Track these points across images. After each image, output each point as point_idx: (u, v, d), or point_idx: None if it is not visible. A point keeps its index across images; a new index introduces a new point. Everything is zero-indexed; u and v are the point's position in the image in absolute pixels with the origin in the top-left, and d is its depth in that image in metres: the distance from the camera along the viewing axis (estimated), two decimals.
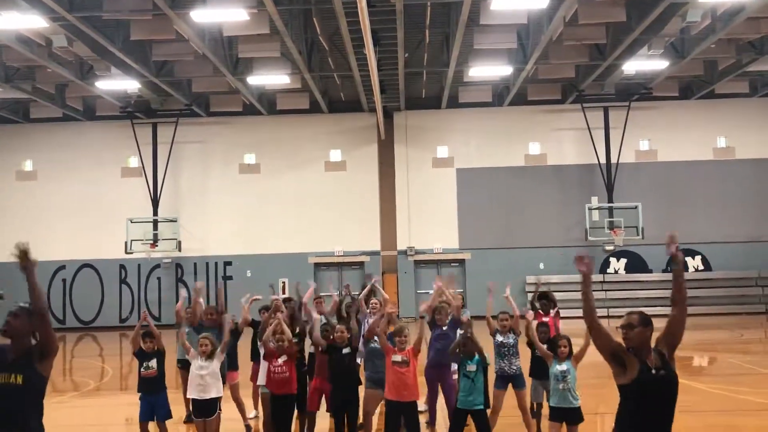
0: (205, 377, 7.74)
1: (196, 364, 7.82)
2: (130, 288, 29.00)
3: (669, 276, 20.79)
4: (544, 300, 10.32)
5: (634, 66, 23.32)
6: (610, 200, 27.92)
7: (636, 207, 27.33)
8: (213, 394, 7.78)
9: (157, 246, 27.99)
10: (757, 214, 28.15)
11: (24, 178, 29.48)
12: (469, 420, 7.64)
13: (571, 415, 7.27)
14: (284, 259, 28.38)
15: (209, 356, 7.80)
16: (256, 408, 10.03)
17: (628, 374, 4.40)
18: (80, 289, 28.89)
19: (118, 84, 23.76)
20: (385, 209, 29.03)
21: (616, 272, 28.45)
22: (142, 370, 8.45)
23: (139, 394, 8.49)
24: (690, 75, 26.20)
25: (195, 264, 28.85)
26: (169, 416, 8.38)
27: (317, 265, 28.80)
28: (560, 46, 22.43)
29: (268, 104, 28.15)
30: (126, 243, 27.73)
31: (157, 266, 28.91)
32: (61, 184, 29.15)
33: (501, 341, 8.70)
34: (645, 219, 27.27)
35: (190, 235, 28.71)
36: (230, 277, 28.74)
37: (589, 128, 27.81)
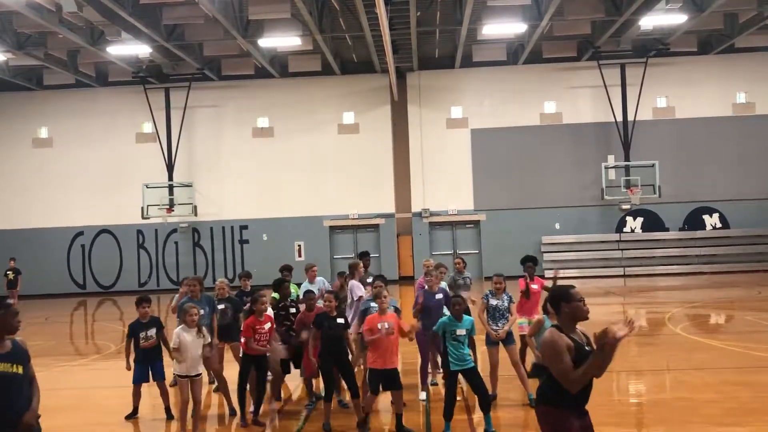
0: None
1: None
2: (148, 253, 29.33)
3: (686, 234, 20.93)
4: (530, 263, 10.19)
5: (652, 21, 22.83)
6: (627, 159, 27.64)
7: (653, 165, 27.06)
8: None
9: (173, 211, 28.22)
10: None
11: (40, 146, 29.66)
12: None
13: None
14: (299, 222, 28.52)
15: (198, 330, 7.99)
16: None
17: (570, 356, 4.51)
18: (99, 254, 29.27)
19: (129, 49, 23.67)
20: (399, 171, 28.96)
21: (632, 231, 28.31)
22: (141, 341, 8.68)
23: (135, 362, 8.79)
24: (709, 29, 25.61)
25: (211, 228, 29.08)
26: (164, 378, 8.83)
27: (332, 228, 28.92)
28: (575, 2, 22.02)
29: (279, 67, 27.96)
30: (142, 208, 27.97)
31: (174, 231, 29.17)
32: (77, 150, 29.32)
33: (495, 305, 8.99)
34: (662, 177, 27.01)
35: (206, 199, 28.87)
36: (246, 241, 28.96)
37: (605, 86, 27.41)
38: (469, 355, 7.71)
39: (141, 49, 23.85)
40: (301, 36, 23.31)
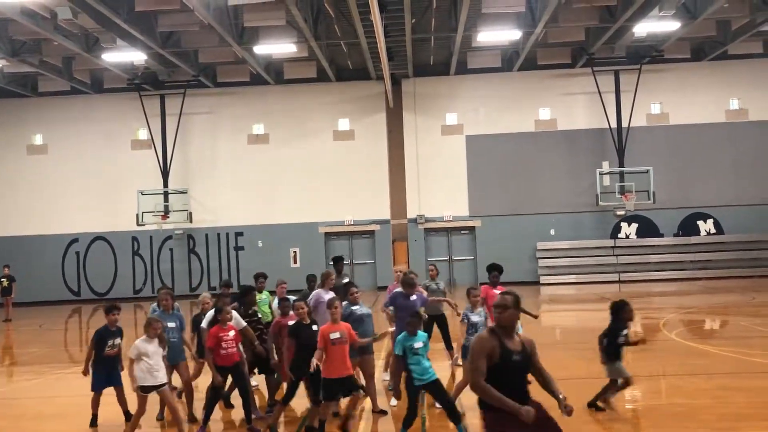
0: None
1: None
2: (143, 259, 29.27)
3: (680, 240, 21.02)
4: (496, 272, 10.26)
5: (645, 28, 22.95)
6: (621, 165, 27.73)
7: (647, 171, 27.15)
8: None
9: (168, 218, 28.18)
10: None
11: (35, 152, 29.61)
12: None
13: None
14: (295, 228, 28.51)
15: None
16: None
17: (492, 360, 4.74)
18: (94, 261, 29.19)
19: (124, 56, 23.67)
20: (395, 178, 28.99)
21: (627, 237, 28.38)
22: (107, 348, 8.68)
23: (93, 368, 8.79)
24: (702, 36, 25.76)
25: (206, 235, 29.05)
26: (122, 384, 8.76)
27: (328, 234, 28.91)
28: (570, 9, 22.11)
29: (275, 74, 28.00)
30: (137, 215, 27.92)
31: (169, 238, 29.13)
32: (72, 157, 29.27)
33: (476, 322, 9.03)
34: (656, 183, 27.11)
35: (201, 206, 28.85)
36: (242, 248, 28.93)
37: (599, 92, 27.52)
38: (431, 367, 7.73)
39: (136, 56, 23.85)
40: (296, 43, 23.36)
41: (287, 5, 19.15)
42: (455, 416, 7.54)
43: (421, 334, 7.86)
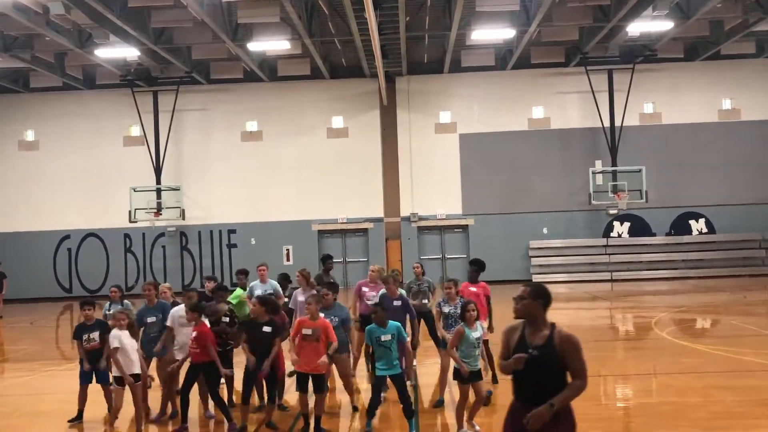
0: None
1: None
2: (135, 257, 29.17)
3: (672, 239, 21.14)
4: (475, 266, 10.22)
5: (639, 27, 23.00)
6: (614, 164, 27.80)
7: (640, 170, 27.23)
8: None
9: (160, 215, 28.09)
10: (761, 175, 28.00)
11: (26, 148, 29.45)
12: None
13: (474, 376, 7.67)
14: (288, 226, 28.46)
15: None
16: None
17: (510, 348, 4.66)
18: (86, 258, 29.06)
19: (117, 52, 23.55)
20: (388, 176, 28.98)
21: (619, 236, 28.46)
22: (84, 343, 8.71)
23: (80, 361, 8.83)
24: (695, 36, 25.85)
25: (199, 232, 28.97)
26: (108, 381, 8.71)
27: (321, 232, 28.88)
28: (563, 8, 22.13)
29: (269, 71, 27.93)
30: (130, 212, 27.82)
31: (162, 235, 29.03)
32: (64, 153, 29.12)
33: (447, 312, 9.05)
34: (649, 182, 27.19)
35: (194, 203, 28.76)
36: (234, 245, 28.87)
37: (593, 91, 27.57)
38: (397, 359, 7.80)
39: (129, 52, 23.74)
40: (290, 40, 23.30)
41: (281, 2, 19.12)
42: (409, 413, 7.71)
43: (392, 325, 7.88)
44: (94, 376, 8.77)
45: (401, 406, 7.80)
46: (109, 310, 9.77)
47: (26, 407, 10.19)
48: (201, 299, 9.32)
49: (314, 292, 9.32)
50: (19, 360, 14.91)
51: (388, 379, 7.96)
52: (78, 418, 8.85)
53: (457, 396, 8.05)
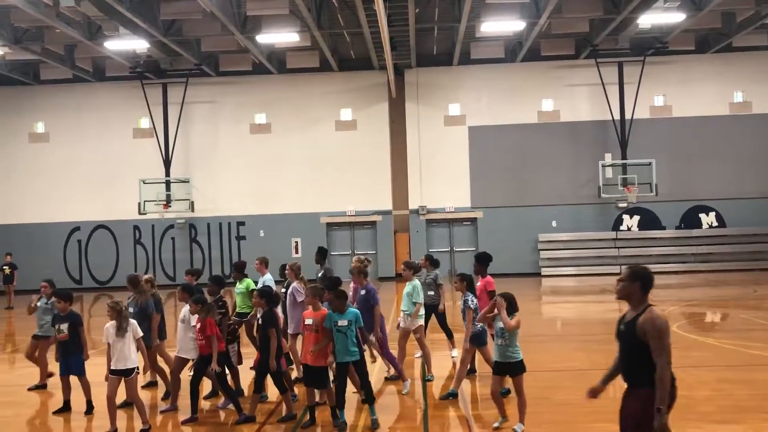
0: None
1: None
2: (144, 248, 29.30)
3: (682, 233, 21.00)
4: (476, 261, 10.10)
5: (650, 19, 22.84)
6: (624, 157, 27.67)
7: (650, 163, 27.10)
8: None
9: (170, 207, 28.19)
10: None
11: (36, 140, 29.58)
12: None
13: (514, 369, 7.48)
14: (297, 218, 28.51)
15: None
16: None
17: None
18: (95, 249, 29.22)
19: (126, 44, 23.61)
20: (397, 168, 28.95)
21: (629, 229, 28.34)
22: (56, 333, 8.82)
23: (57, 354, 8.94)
24: (707, 28, 25.63)
25: (208, 224, 29.06)
26: (82, 373, 8.83)
27: (329, 225, 28.91)
28: (574, 0, 21.97)
29: (277, 63, 27.92)
30: (139, 204, 27.94)
31: (171, 227, 29.14)
32: (74, 145, 29.25)
33: (470, 306, 8.93)
34: (659, 175, 27.06)
35: (203, 195, 28.84)
36: (243, 237, 28.95)
37: (603, 84, 27.41)
38: (355, 346, 7.78)
39: (138, 44, 23.79)
40: (299, 32, 23.28)
41: None
42: (370, 399, 7.84)
43: (351, 311, 7.87)
44: (66, 367, 8.83)
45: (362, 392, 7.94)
46: (46, 303, 10.13)
47: (36, 397, 10.26)
48: (186, 291, 9.34)
49: (301, 284, 9.73)
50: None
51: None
52: (63, 410, 8.93)
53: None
